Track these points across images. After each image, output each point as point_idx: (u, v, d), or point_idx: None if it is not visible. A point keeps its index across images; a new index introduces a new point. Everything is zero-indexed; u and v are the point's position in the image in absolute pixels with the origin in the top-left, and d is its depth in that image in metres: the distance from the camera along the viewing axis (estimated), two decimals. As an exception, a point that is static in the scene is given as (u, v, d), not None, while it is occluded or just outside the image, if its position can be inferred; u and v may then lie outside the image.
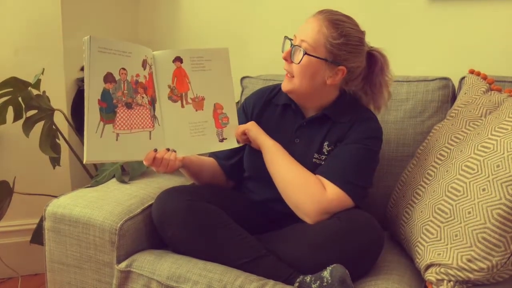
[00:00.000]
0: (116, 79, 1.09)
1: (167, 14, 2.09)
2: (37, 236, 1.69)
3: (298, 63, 1.23)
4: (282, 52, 1.29)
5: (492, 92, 1.37)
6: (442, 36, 1.66)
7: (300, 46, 1.24)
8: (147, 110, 1.16)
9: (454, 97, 1.51)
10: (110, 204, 1.30)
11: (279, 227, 1.29)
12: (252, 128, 1.31)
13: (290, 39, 1.28)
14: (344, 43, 1.23)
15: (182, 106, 1.22)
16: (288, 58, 1.26)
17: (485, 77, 1.42)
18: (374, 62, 1.30)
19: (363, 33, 1.28)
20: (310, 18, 1.27)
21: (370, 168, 1.28)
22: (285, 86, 1.30)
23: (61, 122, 1.76)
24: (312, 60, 1.23)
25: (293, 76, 1.27)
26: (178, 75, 1.22)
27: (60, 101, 1.82)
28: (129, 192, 1.38)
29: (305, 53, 1.22)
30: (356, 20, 1.27)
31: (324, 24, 1.23)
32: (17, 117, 1.64)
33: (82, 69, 1.89)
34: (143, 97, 1.15)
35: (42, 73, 1.63)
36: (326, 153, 1.29)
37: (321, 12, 1.26)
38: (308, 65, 1.23)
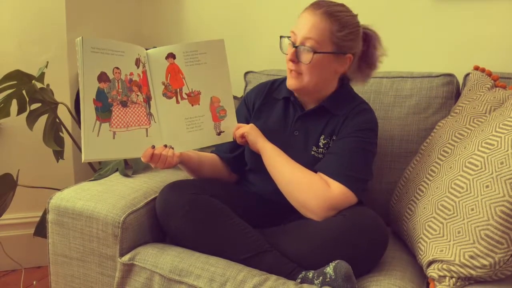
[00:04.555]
0: (110, 78, 1.10)
1: (170, 8, 2.08)
2: (41, 228, 1.70)
3: (309, 63, 1.22)
4: (282, 51, 1.28)
5: (497, 89, 1.36)
6: (447, 32, 1.66)
7: (305, 45, 1.22)
8: (143, 108, 1.16)
9: (458, 94, 1.51)
10: (113, 198, 1.30)
11: (281, 220, 1.30)
12: (252, 132, 1.30)
13: (288, 37, 1.27)
14: (348, 32, 1.23)
15: (177, 102, 1.23)
16: (295, 59, 1.24)
17: (489, 74, 1.41)
18: (368, 40, 1.32)
19: (356, 16, 1.28)
20: (306, 13, 1.25)
21: (368, 160, 1.28)
22: (294, 84, 1.28)
23: (65, 115, 1.77)
24: (321, 57, 1.23)
25: (300, 74, 1.25)
26: (171, 71, 1.22)
27: (64, 95, 1.82)
28: (132, 186, 1.38)
29: (315, 52, 1.21)
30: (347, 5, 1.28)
31: (325, 17, 1.22)
32: (21, 110, 1.65)
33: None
34: (137, 95, 1.15)
35: (46, 66, 1.63)
36: (322, 146, 1.29)
37: (316, 5, 1.24)
38: (318, 62, 1.23)
